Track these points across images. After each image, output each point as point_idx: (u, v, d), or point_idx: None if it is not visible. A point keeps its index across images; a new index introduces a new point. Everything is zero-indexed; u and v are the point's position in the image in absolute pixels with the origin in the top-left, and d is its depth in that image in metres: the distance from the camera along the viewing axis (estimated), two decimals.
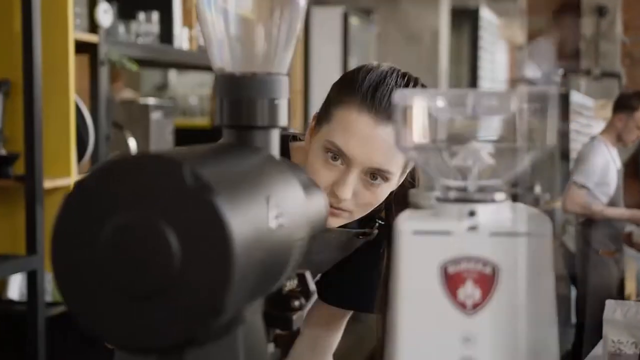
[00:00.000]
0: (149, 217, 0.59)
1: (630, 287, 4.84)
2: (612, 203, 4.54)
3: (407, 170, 1.32)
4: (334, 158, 1.25)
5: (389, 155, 1.24)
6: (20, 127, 2.42)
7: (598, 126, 7.68)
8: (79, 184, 0.61)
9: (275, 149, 0.77)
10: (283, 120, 0.76)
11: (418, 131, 0.68)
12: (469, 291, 0.65)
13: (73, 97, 2.56)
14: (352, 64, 5.19)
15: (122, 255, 0.59)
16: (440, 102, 0.67)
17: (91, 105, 2.77)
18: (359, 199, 1.27)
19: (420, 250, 0.66)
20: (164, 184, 0.59)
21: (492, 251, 0.65)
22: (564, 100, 6.91)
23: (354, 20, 5.71)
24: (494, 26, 7.71)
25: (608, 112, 7.69)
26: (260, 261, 0.63)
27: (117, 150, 2.95)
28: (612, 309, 1.90)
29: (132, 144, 3.04)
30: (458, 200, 0.67)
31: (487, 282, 0.65)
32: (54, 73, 2.51)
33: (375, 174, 1.26)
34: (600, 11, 7.35)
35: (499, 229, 0.65)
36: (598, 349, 2.09)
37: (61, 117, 2.52)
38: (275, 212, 0.66)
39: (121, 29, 3.03)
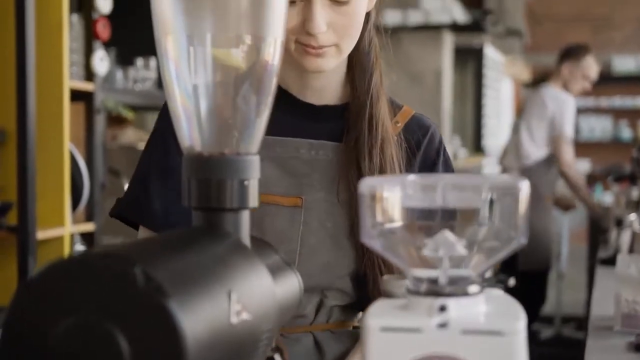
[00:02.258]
0: (98, 320, 0.56)
1: None
2: None
3: None
4: (292, 0, 1.17)
5: None
6: (13, 177, 2.40)
7: (505, 82, 7.66)
8: (27, 284, 0.58)
9: (245, 232, 0.74)
10: (253, 201, 0.74)
11: (386, 220, 0.65)
12: None
13: (68, 146, 2.54)
14: None
15: None
16: (410, 190, 0.64)
17: (86, 153, 2.75)
18: (336, 27, 1.20)
19: (388, 347, 0.62)
20: (114, 284, 0.56)
21: (464, 350, 0.61)
22: (479, 53, 6.94)
23: None
24: (499, 64, 7.69)
25: (516, 68, 7.64)
26: None
27: (114, 197, 2.92)
28: (626, 264, 1.62)
29: None
30: (429, 294, 0.64)
31: None
32: (48, 122, 2.49)
33: None
34: None
35: (470, 326, 0.62)
36: (609, 309, 1.78)
37: (55, 166, 2.50)
38: (237, 307, 0.63)
39: (119, 75, 3.02)
